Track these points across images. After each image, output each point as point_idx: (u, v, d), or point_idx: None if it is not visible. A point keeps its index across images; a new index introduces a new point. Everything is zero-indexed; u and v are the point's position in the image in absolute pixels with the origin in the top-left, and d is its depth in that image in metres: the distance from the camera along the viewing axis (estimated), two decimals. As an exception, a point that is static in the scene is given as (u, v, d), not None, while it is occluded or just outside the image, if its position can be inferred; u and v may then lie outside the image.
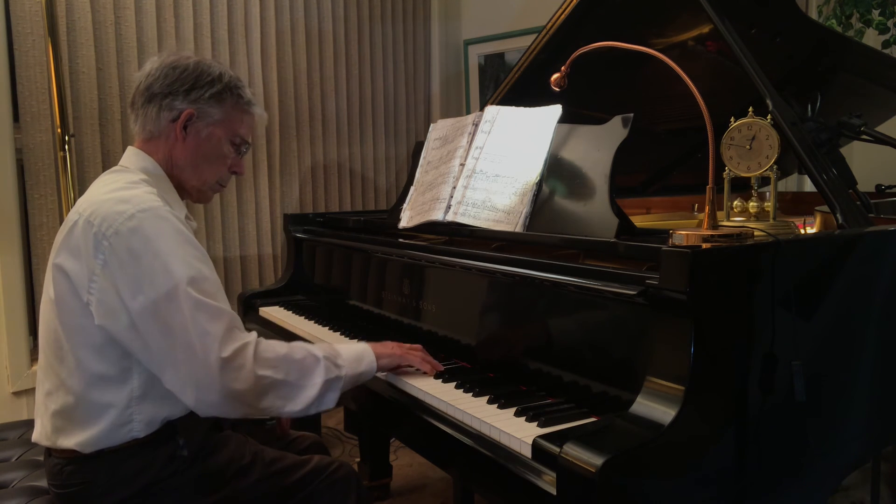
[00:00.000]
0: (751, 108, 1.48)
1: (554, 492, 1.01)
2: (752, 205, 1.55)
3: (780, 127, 1.44)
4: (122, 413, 1.25)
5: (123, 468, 1.27)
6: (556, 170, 1.57)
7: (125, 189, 1.28)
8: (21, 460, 1.60)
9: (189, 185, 1.42)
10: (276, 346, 1.28)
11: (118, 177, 1.34)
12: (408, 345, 1.51)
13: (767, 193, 1.52)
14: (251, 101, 1.45)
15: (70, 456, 1.28)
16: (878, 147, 1.84)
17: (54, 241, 1.30)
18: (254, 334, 1.27)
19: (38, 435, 1.32)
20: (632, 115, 1.46)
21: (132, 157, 1.39)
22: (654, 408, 1.03)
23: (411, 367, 1.47)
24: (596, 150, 1.50)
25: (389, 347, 1.46)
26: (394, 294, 1.82)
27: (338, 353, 1.35)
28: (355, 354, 1.38)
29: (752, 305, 1.12)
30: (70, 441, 1.26)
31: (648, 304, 1.11)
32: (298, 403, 1.28)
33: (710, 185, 1.24)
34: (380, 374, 1.51)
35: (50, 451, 1.33)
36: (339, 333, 1.85)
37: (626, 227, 1.38)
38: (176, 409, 1.30)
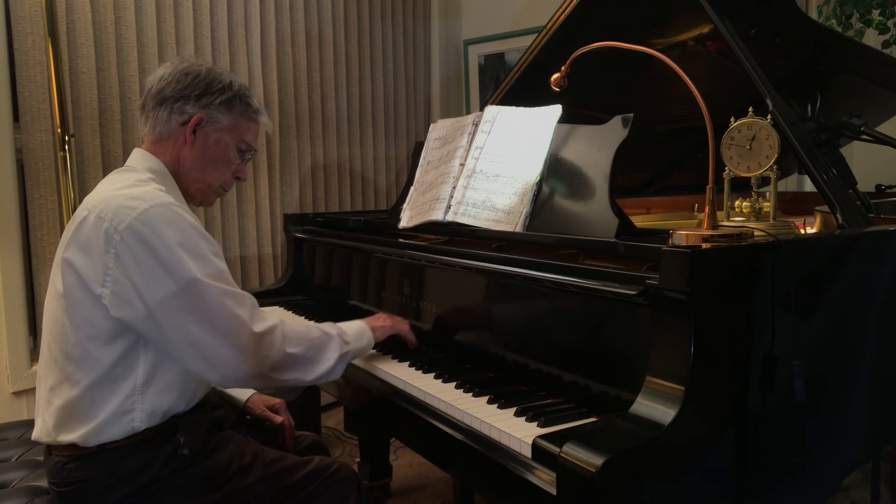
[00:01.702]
0: (751, 108, 1.48)
1: (554, 492, 1.01)
2: (753, 205, 1.55)
3: (780, 127, 1.44)
4: (125, 402, 1.27)
5: (124, 466, 1.28)
6: (556, 170, 1.57)
7: (135, 186, 1.32)
8: (21, 460, 1.60)
9: (194, 187, 1.46)
10: (296, 326, 1.40)
11: (126, 175, 1.37)
12: (397, 317, 1.67)
13: (767, 193, 1.52)
14: (259, 110, 1.51)
15: (71, 453, 1.29)
16: (878, 147, 1.83)
17: (62, 236, 1.34)
18: (276, 317, 1.37)
19: (39, 432, 1.33)
20: (632, 115, 1.46)
21: (139, 157, 1.42)
22: (654, 408, 1.03)
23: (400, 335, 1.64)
24: (596, 150, 1.50)
25: (381, 320, 1.62)
26: (394, 294, 1.82)
27: (344, 331, 1.49)
28: (357, 331, 1.52)
29: (752, 305, 1.12)
30: (72, 435, 1.27)
31: (648, 304, 1.11)
32: (312, 374, 1.40)
33: (710, 185, 1.24)
34: (381, 375, 1.53)
35: (50, 450, 1.34)
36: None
37: (626, 227, 1.38)
38: (179, 402, 1.33)
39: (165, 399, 1.31)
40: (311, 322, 1.45)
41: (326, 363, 1.41)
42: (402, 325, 1.64)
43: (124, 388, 1.27)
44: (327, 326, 1.46)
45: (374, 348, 1.66)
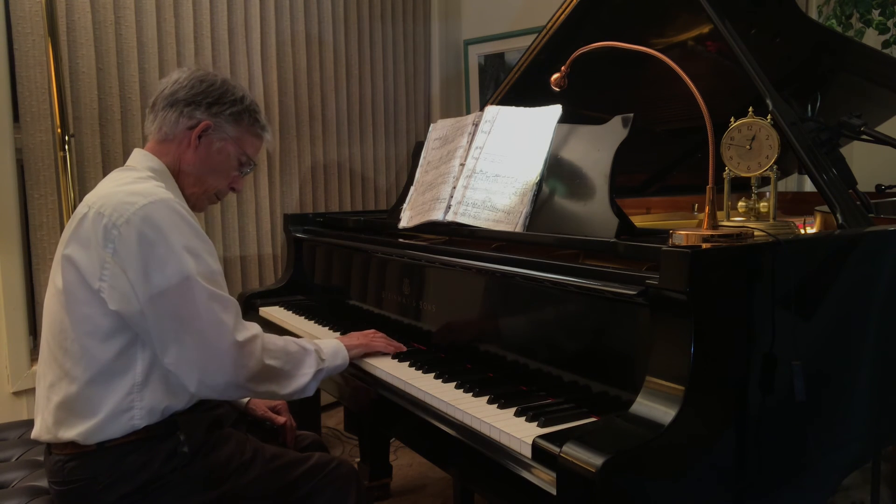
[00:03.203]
0: (751, 108, 1.48)
1: (554, 492, 1.01)
2: (753, 205, 1.55)
3: (780, 127, 1.44)
4: (123, 400, 1.28)
5: (124, 464, 1.28)
6: (556, 170, 1.57)
7: (135, 183, 1.33)
8: (21, 460, 1.60)
9: (189, 191, 1.47)
10: (276, 339, 1.41)
11: (126, 174, 1.38)
12: (369, 331, 1.67)
13: (767, 193, 1.52)
14: (265, 127, 1.54)
15: (71, 452, 1.29)
16: (878, 147, 1.83)
17: (63, 233, 1.35)
18: (258, 326, 1.38)
19: (39, 430, 1.33)
20: (632, 115, 1.46)
21: (139, 157, 1.44)
22: (654, 408, 1.03)
23: (379, 352, 1.62)
24: (596, 150, 1.50)
25: (355, 339, 1.62)
26: (394, 294, 1.82)
27: (321, 348, 1.50)
28: (333, 349, 1.53)
29: (752, 305, 1.12)
30: (71, 432, 1.27)
31: (648, 304, 1.11)
32: (287, 388, 1.41)
33: (710, 185, 1.24)
34: (381, 375, 1.53)
35: (50, 449, 1.34)
36: (339, 333, 1.85)
37: (625, 227, 1.38)
38: (178, 400, 1.33)
39: (164, 397, 1.31)
40: (289, 337, 1.47)
41: (302, 378, 1.42)
42: (376, 344, 1.63)
43: (123, 385, 1.28)
44: (304, 342, 1.48)
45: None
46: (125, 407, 1.28)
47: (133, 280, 1.24)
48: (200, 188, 1.47)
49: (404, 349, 1.64)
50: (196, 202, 1.50)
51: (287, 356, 1.40)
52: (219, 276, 1.32)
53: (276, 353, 1.38)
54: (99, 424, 1.27)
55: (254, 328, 1.35)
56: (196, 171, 1.45)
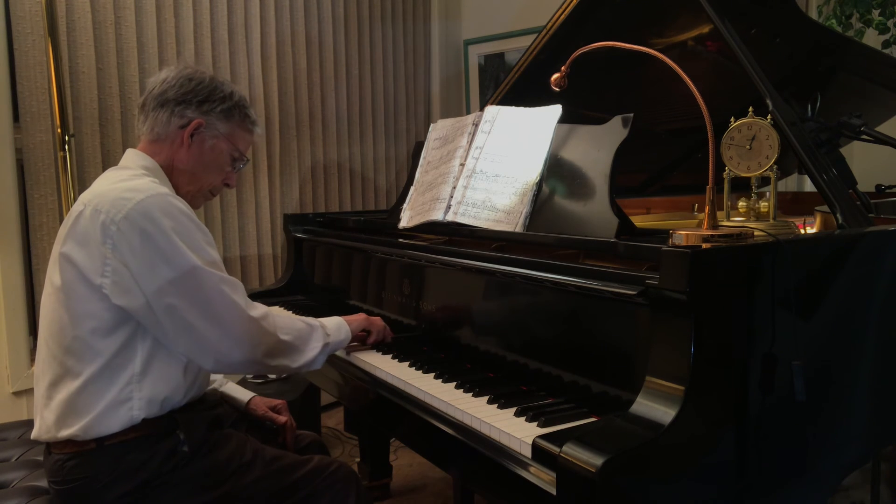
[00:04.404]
0: (751, 108, 1.48)
1: (554, 492, 1.01)
2: (760, 204, 1.55)
3: (780, 127, 1.44)
4: (123, 391, 1.28)
5: (124, 462, 1.28)
6: (556, 170, 1.57)
7: (130, 180, 1.34)
8: (21, 460, 1.60)
9: (184, 189, 1.47)
10: (282, 316, 1.46)
11: (121, 172, 1.39)
12: (372, 317, 1.72)
13: (767, 193, 1.52)
14: (255, 122, 1.56)
15: (71, 450, 1.29)
16: (878, 147, 1.83)
17: (58, 232, 1.35)
18: (264, 305, 1.42)
19: (39, 430, 1.33)
20: (632, 115, 1.46)
21: (132, 157, 1.45)
22: (655, 408, 1.03)
23: (377, 328, 1.70)
24: (596, 150, 1.50)
25: (356, 315, 1.68)
26: (394, 294, 1.82)
27: (324, 324, 1.55)
28: (336, 325, 1.59)
29: (752, 305, 1.12)
30: (72, 429, 1.27)
31: (648, 304, 1.11)
32: (298, 361, 1.46)
33: (710, 185, 1.24)
34: (381, 375, 1.53)
35: (50, 449, 1.34)
36: (339, 333, 1.85)
37: (626, 227, 1.38)
38: (176, 391, 1.34)
39: (163, 387, 1.32)
40: (293, 314, 1.52)
41: (312, 352, 1.47)
42: (375, 320, 1.69)
43: (123, 377, 1.29)
44: (309, 319, 1.52)
45: (374, 349, 1.67)
46: (124, 398, 1.28)
47: (136, 274, 1.25)
48: (195, 186, 1.49)
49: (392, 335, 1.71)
50: (192, 200, 1.50)
51: (297, 331, 1.45)
52: (220, 265, 1.35)
53: (287, 328, 1.42)
54: (98, 417, 1.27)
55: (263, 306, 1.39)
56: (190, 169, 1.46)
